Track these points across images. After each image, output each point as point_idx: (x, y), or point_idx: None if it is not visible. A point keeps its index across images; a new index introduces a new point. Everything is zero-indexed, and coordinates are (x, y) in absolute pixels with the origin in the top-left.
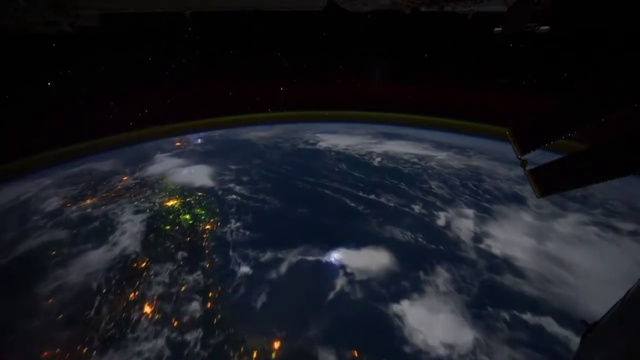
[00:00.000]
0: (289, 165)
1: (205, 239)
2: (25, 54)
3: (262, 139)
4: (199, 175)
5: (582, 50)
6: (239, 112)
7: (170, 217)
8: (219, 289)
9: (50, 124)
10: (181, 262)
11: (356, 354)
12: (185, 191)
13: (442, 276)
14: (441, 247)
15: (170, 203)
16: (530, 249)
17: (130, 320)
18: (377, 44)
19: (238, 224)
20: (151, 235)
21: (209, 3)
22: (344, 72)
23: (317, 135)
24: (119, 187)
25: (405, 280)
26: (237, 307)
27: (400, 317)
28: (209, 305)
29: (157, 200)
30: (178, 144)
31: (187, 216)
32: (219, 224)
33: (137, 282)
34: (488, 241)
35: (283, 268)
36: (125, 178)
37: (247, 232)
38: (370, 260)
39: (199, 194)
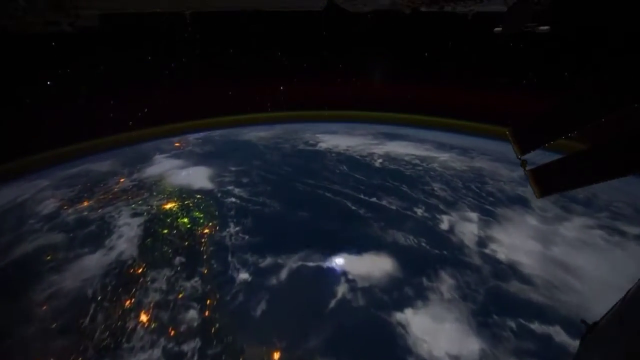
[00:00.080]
0: (289, 167)
1: (204, 244)
2: (25, 54)
3: (262, 139)
4: (198, 177)
5: (582, 50)
6: (239, 111)
7: (168, 220)
8: (217, 296)
9: (50, 124)
10: (179, 268)
11: None
12: (183, 193)
13: (446, 282)
14: (445, 252)
15: (168, 206)
16: (535, 254)
17: (125, 329)
18: (377, 43)
19: (237, 227)
20: (148, 240)
21: (209, 3)
22: (344, 71)
23: (318, 135)
24: (116, 189)
25: (408, 286)
26: (235, 315)
27: (403, 326)
28: (206, 313)
29: (155, 203)
30: (177, 144)
31: (185, 220)
32: (217, 227)
33: (134, 289)
34: (493, 246)
35: (283, 274)
36: (122, 180)
37: (247, 237)
38: (372, 265)
39: (198, 196)
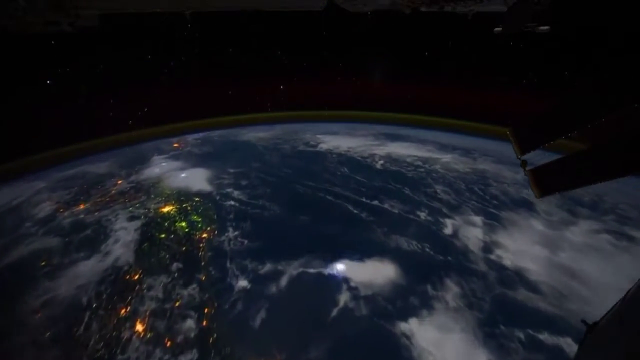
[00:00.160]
0: (289, 169)
1: (202, 249)
2: (25, 54)
3: (262, 140)
4: (196, 179)
5: (582, 50)
6: (239, 111)
7: (166, 224)
8: (215, 304)
9: (50, 124)
10: (176, 275)
11: None
12: (181, 196)
13: (451, 290)
14: (449, 258)
15: (165, 209)
16: (542, 260)
17: (120, 339)
18: (377, 43)
19: (236, 232)
20: (145, 245)
21: (209, 3)
22: (344, 70)
23: (318, 136)
24: (113, 191)
25: (412, 295)
26: (234, 324)
27: (408, 336)
28: (204, 322)
29: (153, 206)
30: (176, 145)
31: (183, 223)
32: (216, 232)
33: (129, 297)
34: (498, 251)
35: (283, 281)
36: (120, 182)
37: (246, 241)
38: (375, 272)
39: (196, 199)
